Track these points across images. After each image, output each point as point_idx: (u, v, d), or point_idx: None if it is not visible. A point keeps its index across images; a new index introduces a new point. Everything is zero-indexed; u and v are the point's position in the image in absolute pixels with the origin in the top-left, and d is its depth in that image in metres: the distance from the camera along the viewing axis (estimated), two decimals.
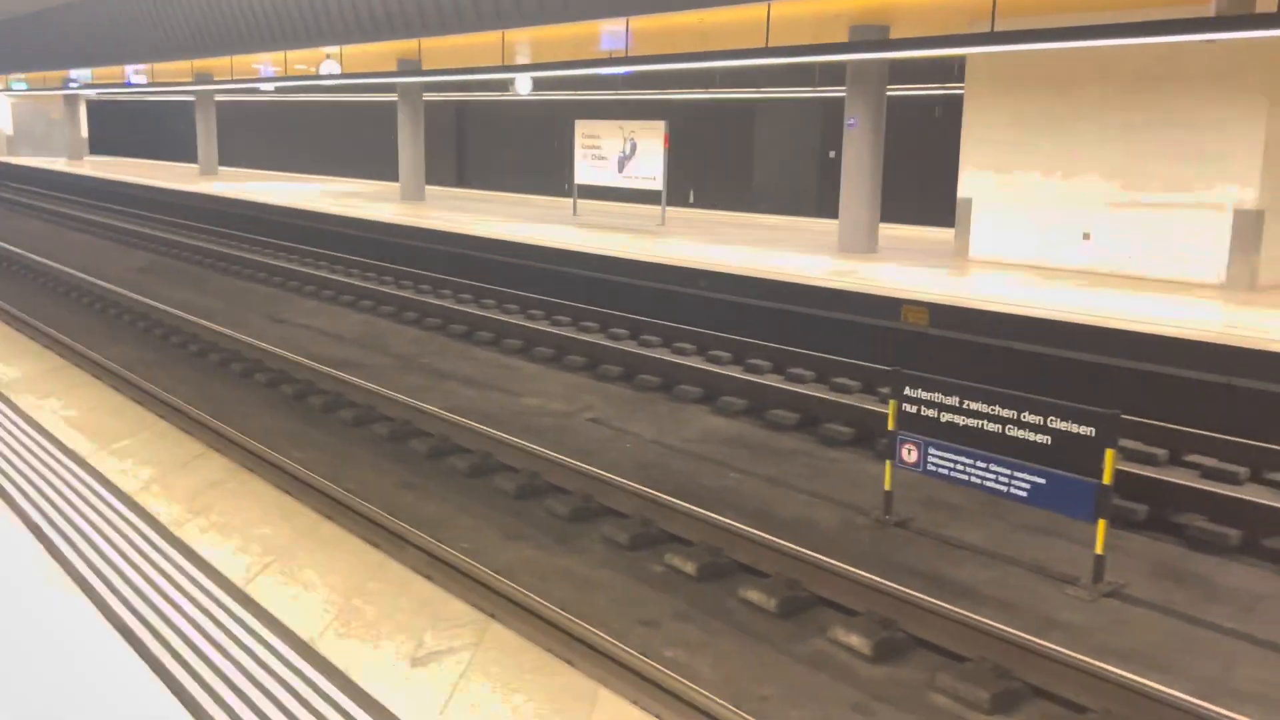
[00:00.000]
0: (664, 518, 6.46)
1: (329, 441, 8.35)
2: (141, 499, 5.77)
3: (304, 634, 4.39)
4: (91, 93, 39.75)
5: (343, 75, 23.58)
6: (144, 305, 13.34)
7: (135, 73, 32.89)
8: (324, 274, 16.95)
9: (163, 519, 5.42)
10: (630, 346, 11.78)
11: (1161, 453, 8.15)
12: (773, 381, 10.14)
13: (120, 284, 15.03)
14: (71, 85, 37.44)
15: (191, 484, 6.50)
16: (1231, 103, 11.78)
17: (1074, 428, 5.71)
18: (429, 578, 5.36)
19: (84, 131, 43.92)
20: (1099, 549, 5.69)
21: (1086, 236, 13.19)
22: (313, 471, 6.95)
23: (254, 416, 8.87)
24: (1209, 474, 7.79)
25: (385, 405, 9.00)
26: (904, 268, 13.53)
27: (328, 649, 4.30)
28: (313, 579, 5.13)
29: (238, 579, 4.84)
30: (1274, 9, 9.79)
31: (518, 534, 6.51)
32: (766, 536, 5.97)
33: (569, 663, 4.44)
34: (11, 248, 18.69)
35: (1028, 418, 5.92)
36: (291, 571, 5.18)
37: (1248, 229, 11.90)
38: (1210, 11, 9.98)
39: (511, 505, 7.01)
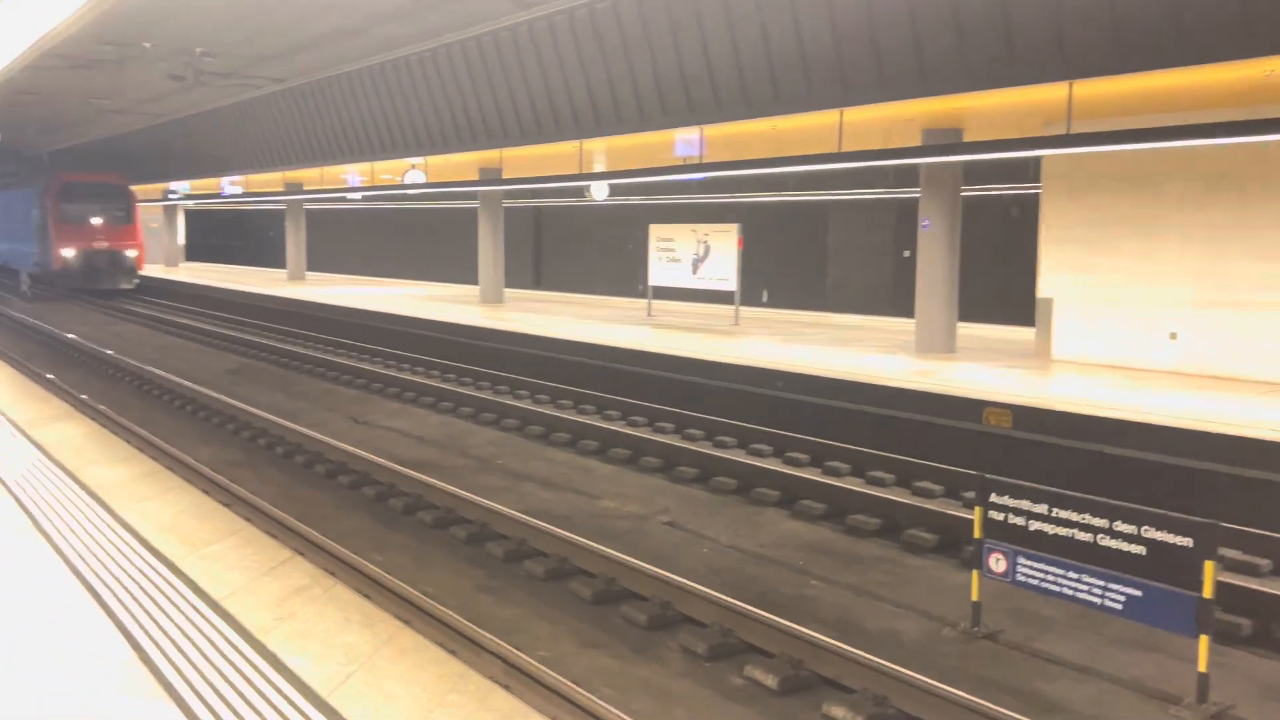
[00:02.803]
0: (743, 627, 6.34)
1: (409, 544, 8.42)
2: (229, 605, 5.87)
3: None
4: (190, 203, 41.95)
5: (427, 184, 24.45)
6: (232, 408, 13.74)
7: (230, 183, 34.78)
8: (406, 376, 17.30)
9: (249, 626, 5.50)
10: (706, 448, 11.75)
11: (1265, 563, 7.80)
12: (853, 485, 10.00)
13: (210, 386, 15.53)
14: (171, 196, 39.48)
15: (277, 589, 6.60)
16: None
17: (1171, 538, 5.51)
18: (507, 688, 5.32)
19: (181, 239, 46.09)
20: (1202, 666, 5.43)
21: (1174, 337, 12.90)
22: (393, 575, 7.01)
23: (337, 519, 9.01)
24: None
25: (463, 507, 9.07)
26: (984, 368, 13.35)
27: None
28: (395, 690, 5.14)
29: (321, 688, 4.86)
30: None
31: (594, 641, 6.45)
32: (850, 649, 5.81)
33: None
34: (107, 351, 19.50)
35: (1121, 527, 5.74)
36: (374, 682, 5.19)
37: None
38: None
39: (588, 611, 6.96)
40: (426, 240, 40.43)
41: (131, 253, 34.67)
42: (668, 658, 6.22)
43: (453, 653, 5.83)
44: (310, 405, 15.15)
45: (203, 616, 5.57)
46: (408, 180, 24.55)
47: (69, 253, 33.48)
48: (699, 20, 13.57)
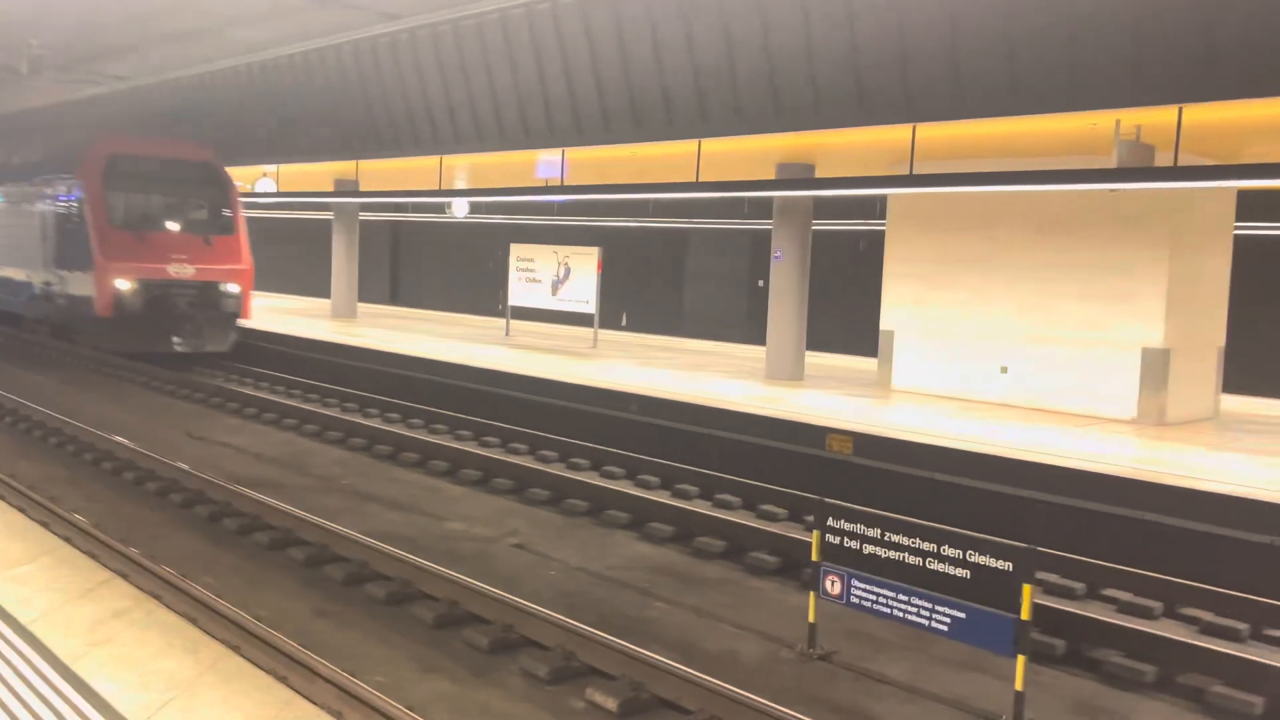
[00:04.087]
0: (586, 650, 6.33)
1: (243, 565, 8.09)
2: (37, 629, 5.50)
3: None
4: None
5: (279, 194, 23.67)
6: (56, 420, 12.94)
7: None
8: (249, 391, 16.66)
9: (58, 651, 5.16)
10: (558, 469, 11.71)
11: (1079, 586, 8.27)
12: (700, 508, 10.12)
13: (33, 396, 14.60)
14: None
15: (93, 613, 6.22)
16: (1136, 246, 12.42)
17: (992, 562, 5.78)
18: (339, 715, 5.16)
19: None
20: (1018, 685, 5.70)
21: (1004, 370, 13.61)
22: (223, 598, 6.72)
23: (166, 539, 8.59)
24: (1125, 609, 7.91)
25: (303, 528, 8.77)
26: (829, 396, 13.77)
27: None
28: (214, 717, 4.90)
29: (134, 717, 4.60)
30: (1171, 163, 10.45)
31: (434, 666, 6.33)
32: (689, 671, 5.87)
33: None
34: None
35: (948, 551, 5.99)
36: (192, 709, 4.94)
37: (1155, 367, 12.40)
38: (1113, 163, 10.59)
39: (430, 635, 6.83)
40: (278, 251, 39.18)
41: (233, 287, 19.21)
42: (508, 681, 6.15)
43: (284, 679, 5.61)
44: (142, 418, 14.41)
45: (6, 642, 5.20)
46: (259, 189, 23.74)
47: (126, 286, 18.03)
48: (561, 44, 13.64)
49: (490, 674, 6.22)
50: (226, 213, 19.66)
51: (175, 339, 18.47)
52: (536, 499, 10.71)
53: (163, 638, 5.89)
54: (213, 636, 6.02)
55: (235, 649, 5.86)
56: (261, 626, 6.20)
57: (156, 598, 6.69)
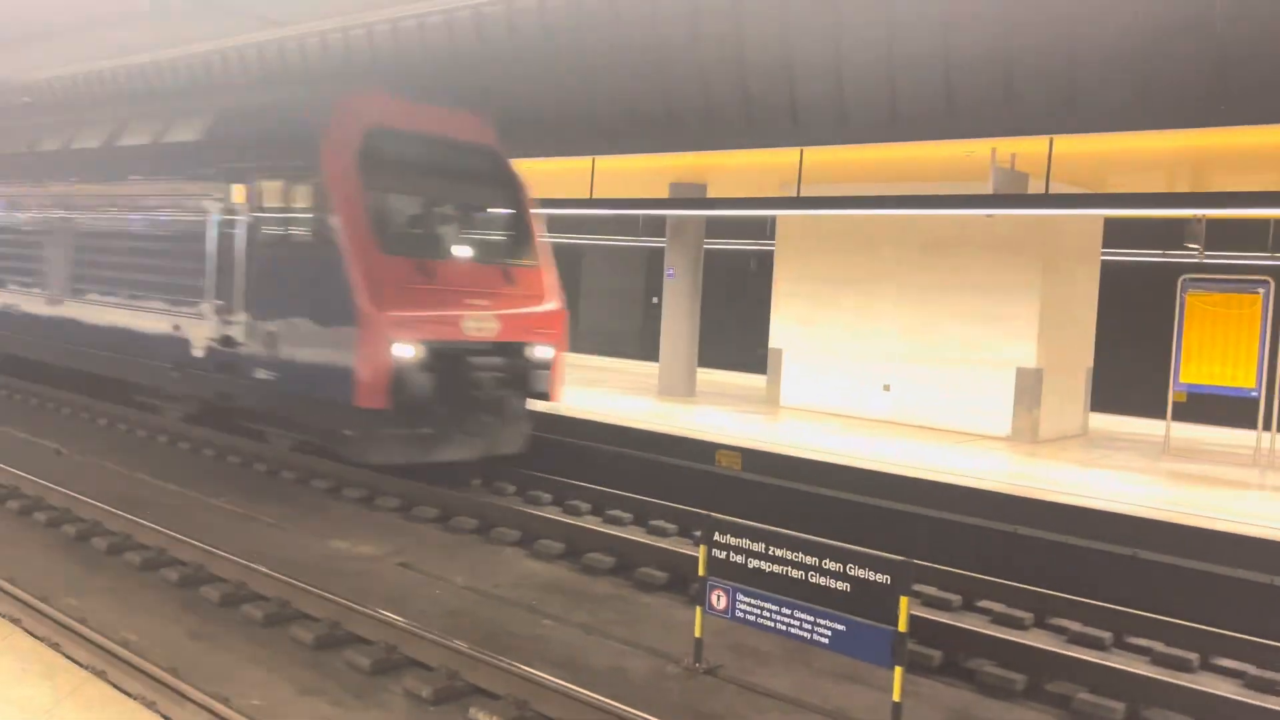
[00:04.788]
0: (471, 669, 6.25)
1: (113, 587, 7.76)
2: None
3: None
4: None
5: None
6: None
7: None
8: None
9: None
10: (445, 488, 11.54)
11: (955, 598, 8.53)
12: (590, 524, 10.11)
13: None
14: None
15: None
16: (1011, 270, 12.94)
17: (871, 575, 5.92)
18: None
19: None
20: (896, 696, 5.84)
21: (887, 389, 14.00)
22: (89, 621, 6.43)
23: (28, 560, 8.18)
24: (999, 619, 8.18)
25: (177, 547, 8.46)
26: (719, 412, 13.93)
27: None
28: None
29: None
30: (1044, 190, 10.95)
31: (314, 688, 6.17)
32: (574, 689, 5.85)
33: None
34: None
35: (828, 564, 6.11)
36: None
37: (1029, 386, 12.92)
38: (989, 189, 11.04)
39: (309, 656, 6.66)
40: None
41: (546, 351, 11.73)
42: (391, 703, 6.04)
43: (152, 705, 5.39)
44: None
45: None
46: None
47: (410, 354, 10.40)
48: (456, 58, 13.55)
49: (372, 695, 6.08)
50: (525, 227, 12.08)
51: (463, 438, 10.98)
52: (424, 517, 10.53)
53: (18, 663, 5.57)
54: (76, 662, 5.75)
55: (100, 674, 5.61)
56: (126, 651, 5.95)
57: (15, 622, 6.35)
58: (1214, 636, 7.61)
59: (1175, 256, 15.15)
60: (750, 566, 6.45)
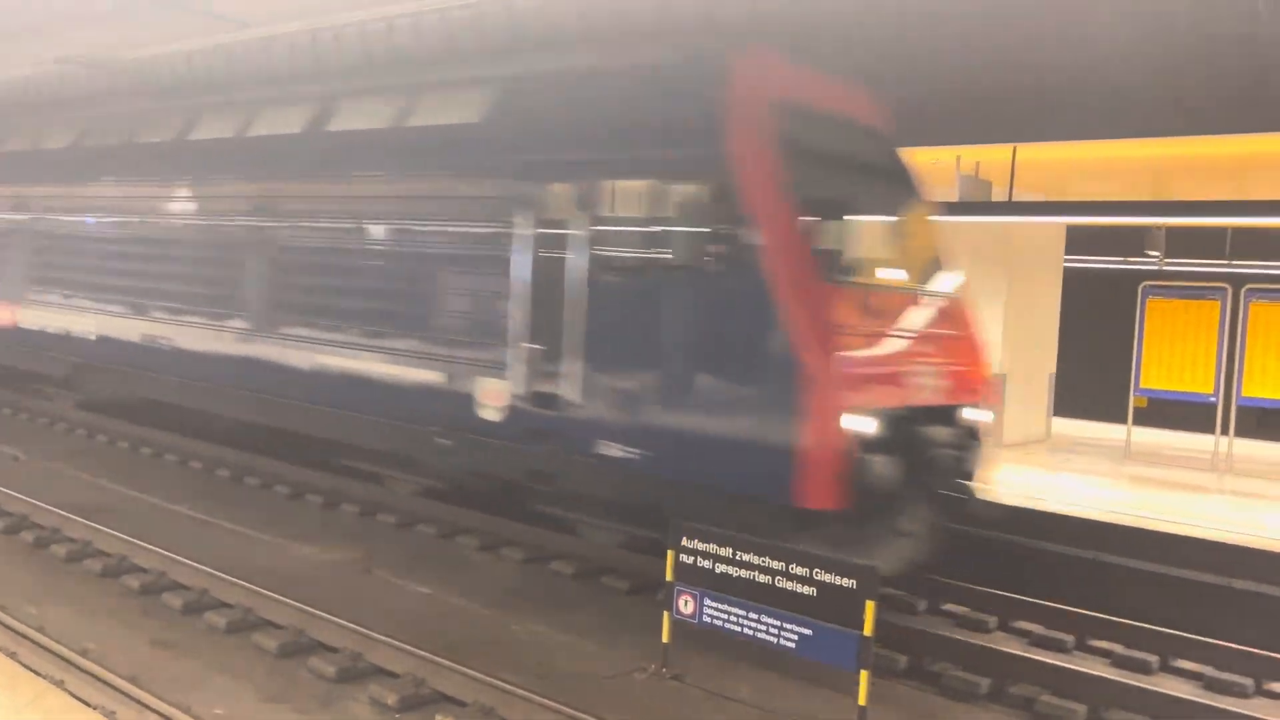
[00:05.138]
0: (437, 676, 6.22)
1: (75, 594, 7.65)
2: None
3: None
4: None
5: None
6: None
7: None
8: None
9: None
10: (409, 495, 11.42)
11: (922, 603, 8.58)
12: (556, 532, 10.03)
13: None
14: None
15: None
16: (976, 276, 13.05)
17: (837, 580, 5.95)
18: None
19: None
20: (862, 700, 5.88)
21: None
22: (49, 629, 6.34)
23: None
24: (963, 623, 8.24)
25: (139, 554, 8.36)
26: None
27: None
28: None
29: None
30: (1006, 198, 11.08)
31: (278, 696, 6.12)
32: (538, 696, 5.85)
33: None
34: None
35: (795, 569, 6.14)
36: None
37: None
38: (955, 196, 11.13)
39: (274, 664, 6.60)
40: None
41: (982, 415, 8.42)
42: (356, 711, 6.00)
43: (112, 714, 5.34)
44: None
45: None
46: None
47: (868, 426, 7.12)
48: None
49: (337, 703, 6.04)
50: (938, 241, 9.13)
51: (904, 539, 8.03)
52: (389, 523, 10.43)
53: None
54: (35, 671, 5.67)
55: (59, 683, 5.54)
56: (85, 660, 5.88)
57: None
58: (1173, 639, 7.70)
59: (1136, 264, 15.35)
60: (718, 571, 6.47)
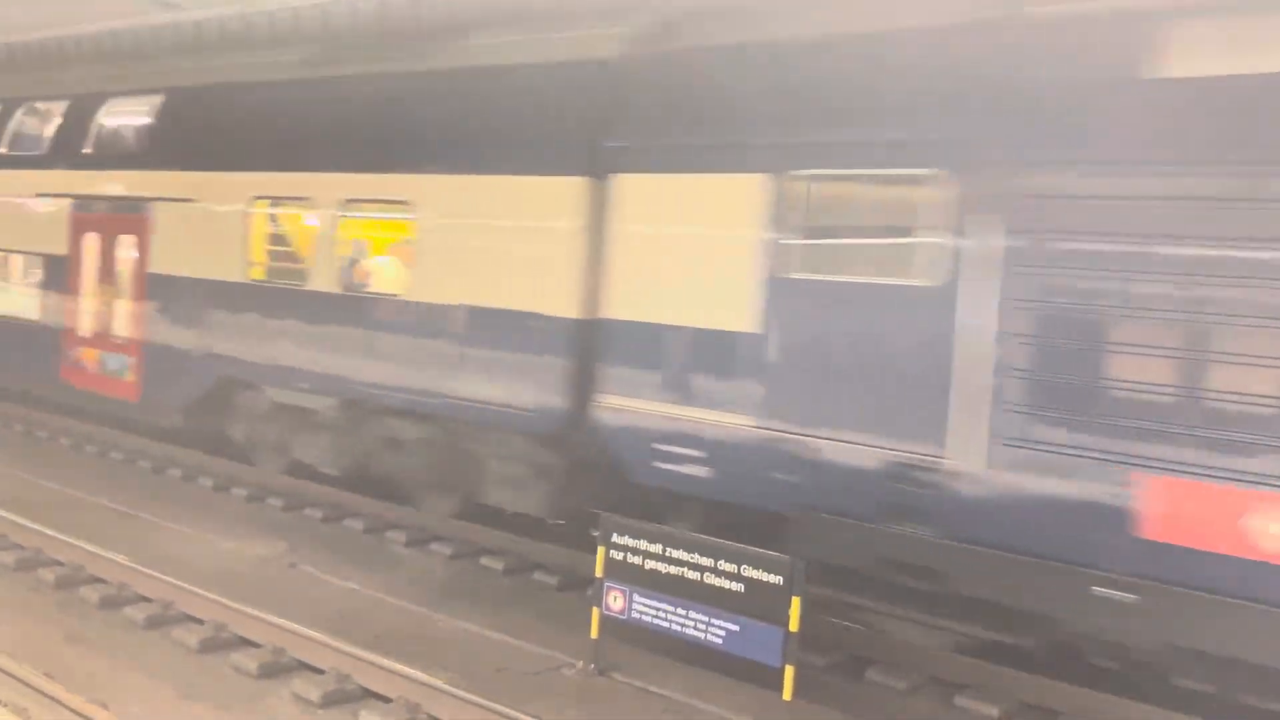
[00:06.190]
0: (361, 672, 6.17)
1: None
2: None
3: None
4: None
5: None
6: None
7: None
8: None
9: None
10: (335, 488, 11.17)
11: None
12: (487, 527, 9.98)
13: None
14: None
15: None
16: None
17: (764, 576, 6.02)
18: None
19: None
20: (786, 695, 5.94)
21: None
22: None
23: None
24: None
25: (54, 547, 8.14)
26: None
27: None
28: None
29: None
30: None
31: (198, 693, 6.01)
32: (463, 693, 5.83)
33: None
34: None
35: (724, 565, 6.19)
36: None
37: None
38: None
39: (194, 660, 6.48)
40: None
41: None
42: (278, 707, 5.92)
43: (24, 711, 5.20)
44: None
45: None
46: None
47: None
48: None
49: (259, 700, 5.96)
50: None
51: None
52: (315, 517, 10.27)
53: None
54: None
55: None
56: None
57: None
58: None
59: None
60: (648, 568, 6.49)
